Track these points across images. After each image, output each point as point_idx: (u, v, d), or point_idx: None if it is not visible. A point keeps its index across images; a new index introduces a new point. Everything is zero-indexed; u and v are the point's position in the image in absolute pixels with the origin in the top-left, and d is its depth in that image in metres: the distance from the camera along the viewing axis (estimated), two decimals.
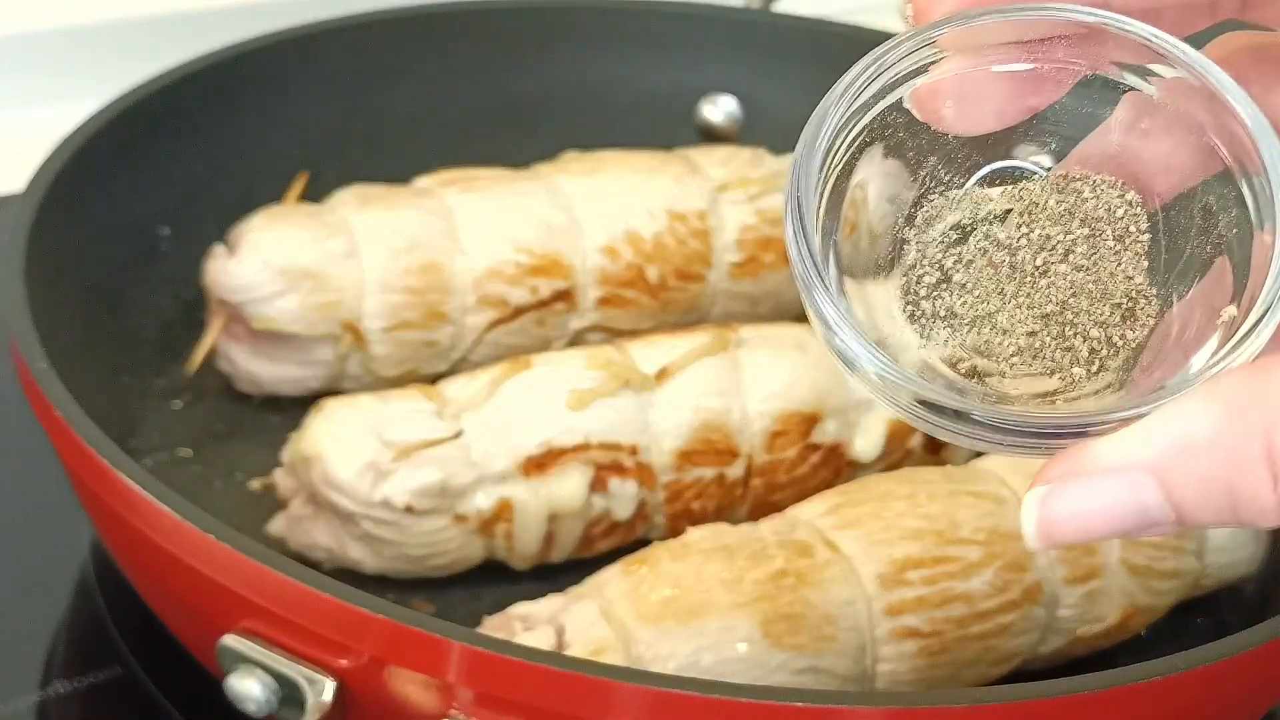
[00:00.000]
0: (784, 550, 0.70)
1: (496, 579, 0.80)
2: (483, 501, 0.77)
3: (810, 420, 0.82)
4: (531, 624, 0.68)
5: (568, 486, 0.78)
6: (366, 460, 0.75)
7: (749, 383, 0.81)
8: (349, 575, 0.78)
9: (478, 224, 0.88)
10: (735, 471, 0.81)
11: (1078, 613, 0.73)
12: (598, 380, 0.79)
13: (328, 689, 0.60)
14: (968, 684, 0.72)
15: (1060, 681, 0.61)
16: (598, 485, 0.78)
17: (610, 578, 0.70)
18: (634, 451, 0.79)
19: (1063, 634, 0.74)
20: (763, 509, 0.80)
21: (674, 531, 0.77)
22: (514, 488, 0.77)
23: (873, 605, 0.70)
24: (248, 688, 0.60)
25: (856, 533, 0.71)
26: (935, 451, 0.85)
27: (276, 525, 0.80)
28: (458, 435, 0.77)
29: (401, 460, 0.75)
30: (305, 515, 0.78)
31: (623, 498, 0.79)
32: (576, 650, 0.65)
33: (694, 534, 0.72)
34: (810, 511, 0.74)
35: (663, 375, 0.80)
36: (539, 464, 0.77)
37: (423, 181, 0.92)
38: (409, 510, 0.75)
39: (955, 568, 0.71)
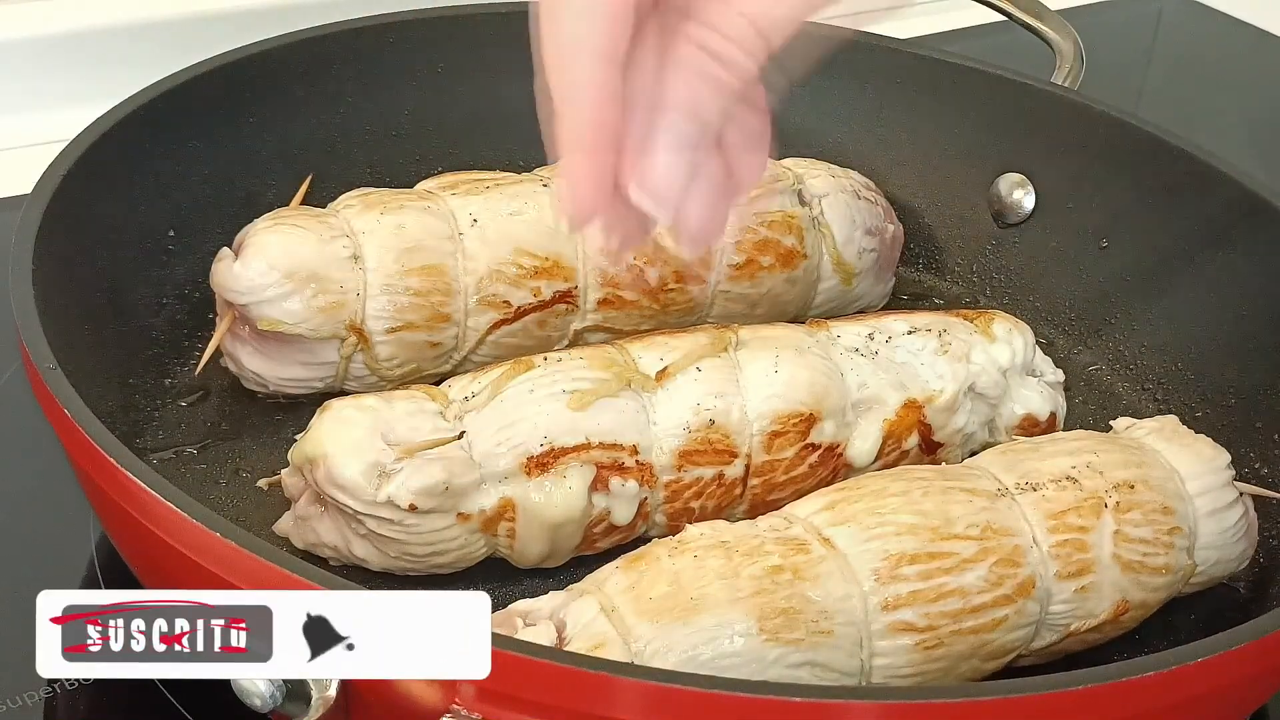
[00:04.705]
0: (780, 546, 0.71)
1: (498, 575, 0.80)
2: (485, 500, 0.78)
3: (808, 421, 0.83)
4: (532, 620, 0.68)
5: (569, 485, 0.78)
6: (371, 461, 0.76)
7: (748, 384, 0.82)
8: (354, 572, 0.78)
9: (480, 227, 0.89)
10: (734, 471, 0.82)
11: (1070, 608, 0.74)
12: (599, 381, 0.80)
13: (332, 684, 0.60)
14: (962, 679, 0.72)
15: (1054, 677, 0.61)
16: (599, 485, 0.79)
17: (610, 574, 0.70)
18: (634, 451, 0.79)
19: (1056, 629, 0.75)
20: (761, 508, 0.81)
21: (673, 530, 0.77)
22: (516, 487, 0.78)
23: (868, 600, 0.70)
24: (253, 683, 0.61)
25: (852, 529, 0.72)
26: (931, 452, 0.86)
27: (283, 524, 0.80)
28: (460, 435, 0.77)
29: (405, 460, 0.76)
30: (311, 514, 0.79)
31: (624, 497, 0.80)
32: (576, 645, 0.66)
33: (692, 531, 0.72)
34: (806, 509, 0.75)
35: (663, 376, 0.81)
36: (541, 463, 0.78)
37: (426, 184, 0.93)
38: (412, 509, 0.76)
39: (950, 563, 0.71)
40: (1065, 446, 0.78)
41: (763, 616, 0.67)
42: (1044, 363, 0.91)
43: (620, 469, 0.79)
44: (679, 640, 0.67)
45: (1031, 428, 0.89)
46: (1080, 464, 0.76)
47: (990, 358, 0.87)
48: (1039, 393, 0.89)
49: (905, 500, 0.73)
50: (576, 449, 0.79)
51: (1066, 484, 0.75)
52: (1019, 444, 0.80)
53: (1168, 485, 0.78)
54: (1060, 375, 0.92)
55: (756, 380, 0.82)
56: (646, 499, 0.80)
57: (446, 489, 0.76)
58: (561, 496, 0.78)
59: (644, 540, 0.78)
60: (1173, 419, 0.84)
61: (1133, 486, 0.76)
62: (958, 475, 0.76)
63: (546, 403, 0.79)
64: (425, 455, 0.76)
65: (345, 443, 0.76)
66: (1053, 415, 0.90)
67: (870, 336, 0.87)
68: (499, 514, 0.78)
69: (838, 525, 0.72)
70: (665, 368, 0.81)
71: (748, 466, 0.82)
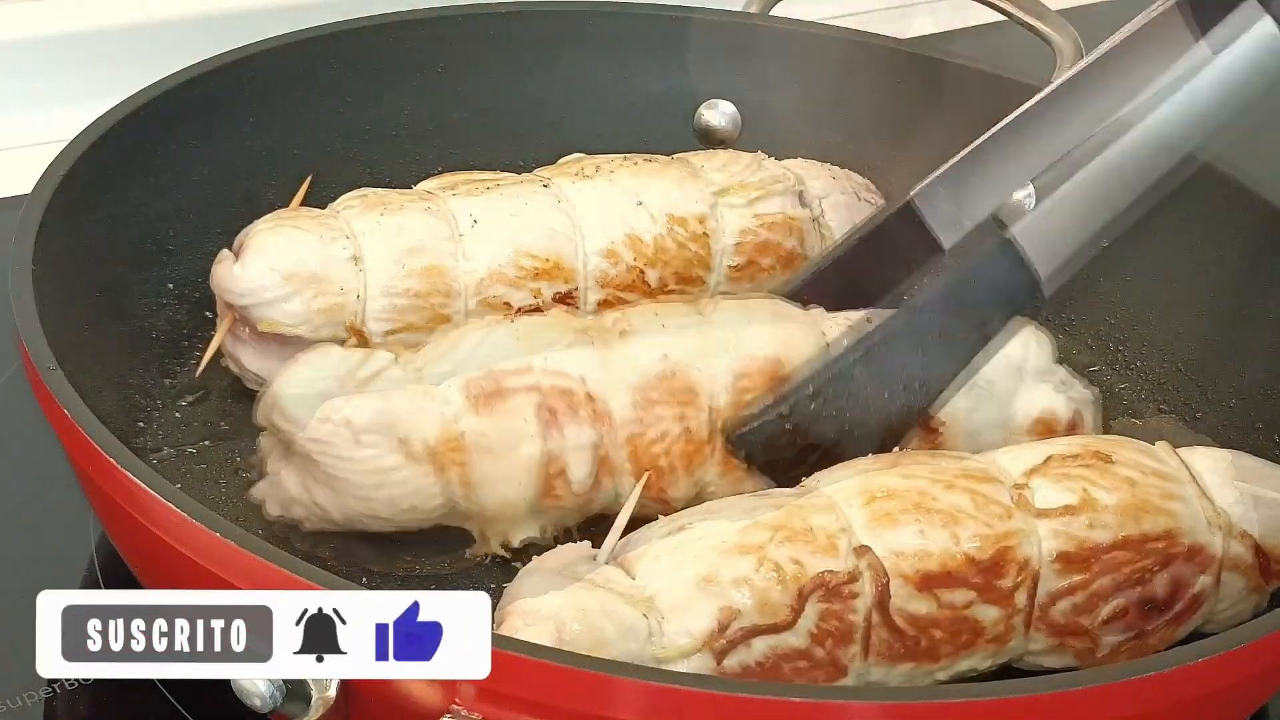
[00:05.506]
0: (782, 546, 0.70)
1: (498, 576, 0.80)
2: (430, 433, 0.77)
3: (776, 367, 0.81)
4: (532, 620, 0.68)
5: (522, 419, 0.78)
6: (317, 390, 0.77)
7: (715, 333, 0.82)
8: (354, 572, 0.78)
9: (480, 228, 0.89)
10: (700, 423, 0.80)
11: (1071, 609, 0.74)
12: (557, 329, 0.80)
13: (332, 684, 0.60)
14: (962, 678, 0.73)
15: (1054, 677, 0.62)
16: (553, 429, 0.78)
17: (610, 574, 0.70)
18: (585, 385, 0.79)
19: (1056, 630, 0.74)
20: (734, 470, 0.80)
21: (649, 493, 0.78)
22: (464, 422, 0.77)
23: (870, 599, 0.70)
24: (253, 683, 0.61)
25: (853, 529, 0.72)
26: (932, 445, 0.85)
27: (258, 489, 0.81)
28: (416, 374, 0.78)
29: (352, 391, 0.77)
30: (278, 471, 0.79)
31: (579, 441, 0.79)
32: (577, 645, 0.66)
33: (693, 531, 0.72)
34: (808, 507, 0.74)
35: (625, 332, 0.81)
36: (488, 398, 0.78)
37: (426, 185, 0.93)
38: (356, 435, 0.76)
39: (952, 562, 0.71)
40: (1068, 448, 0.78)
41: (763, 616, 0.68)
42: (1068, 375, 0.88)
43: (572, 408, 0.78)
44: (679, 640, 0.67)
45: (1046, 433, 0.87)
46: (1082, 465, 0.76)
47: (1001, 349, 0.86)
48: (1053, 397, 0.87)
49: (907, 499, 0.73)
50: (527, 389, 0.78)
51: (1069, 485, 0.75)
52: (1023, 444, 0.80)
53: (1169, 487, 0.77)
54: (1084, 388, 0.89)
55: (725, 330, 0.82)
56: (608, 454, 0.80)
57: (393, 420, 0.76)
58: (512, 433, 0.78)
59: (616, 504, 0.77)
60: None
61: (1134, 487, 0.76)
62: (962, 473, 0.76)
63: (501, 344, 0.79)
64: (372, 385, 0.77)
65: (295, 380, 0.78)
66: (1072, 422, 0.87)
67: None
68: (447, 449, 0.77)
69: (839, 526, 0.72)
70: (629, 322, 0.81)
71: (713, 418, 0.81)
